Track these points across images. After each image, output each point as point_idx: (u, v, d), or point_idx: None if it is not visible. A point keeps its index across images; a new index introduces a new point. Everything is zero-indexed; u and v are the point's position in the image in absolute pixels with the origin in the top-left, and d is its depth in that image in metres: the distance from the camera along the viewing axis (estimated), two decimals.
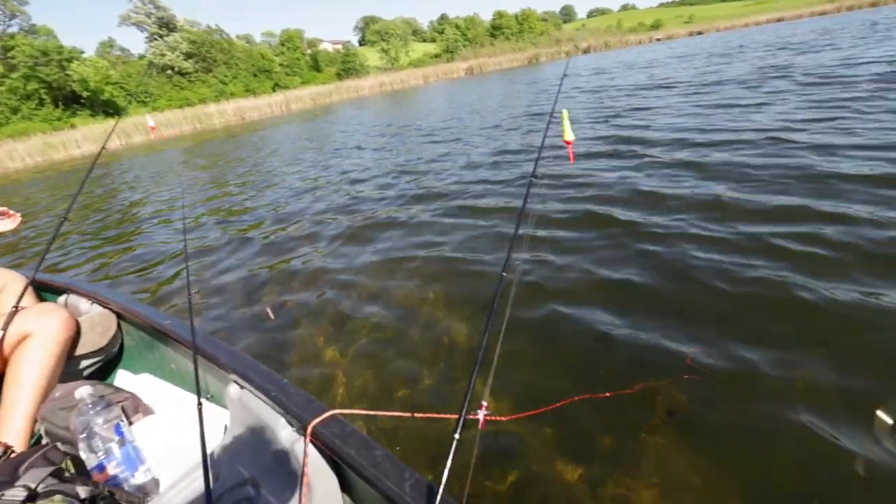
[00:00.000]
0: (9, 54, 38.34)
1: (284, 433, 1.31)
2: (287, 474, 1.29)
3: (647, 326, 2.44)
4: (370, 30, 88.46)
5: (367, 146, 10.81)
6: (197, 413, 1.37)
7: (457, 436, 0.98)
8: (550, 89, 16.64)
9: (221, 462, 1.46)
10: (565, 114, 1.66)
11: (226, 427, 1.59)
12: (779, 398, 1.85)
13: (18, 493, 1.05)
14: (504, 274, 1.27)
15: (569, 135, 1.69)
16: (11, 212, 2.00)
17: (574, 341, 2.45)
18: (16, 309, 1.63)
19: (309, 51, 62.09)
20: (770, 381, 1.94)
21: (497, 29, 79.77)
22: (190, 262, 4.74)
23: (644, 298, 2.70)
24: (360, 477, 1.09)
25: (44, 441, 1.58)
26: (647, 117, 8.03)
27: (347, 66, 60.24)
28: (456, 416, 1.04)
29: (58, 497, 1.03)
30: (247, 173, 10.11)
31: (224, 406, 1.62)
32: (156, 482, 1.50)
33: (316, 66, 60.23)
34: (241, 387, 1.48)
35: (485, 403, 1.06)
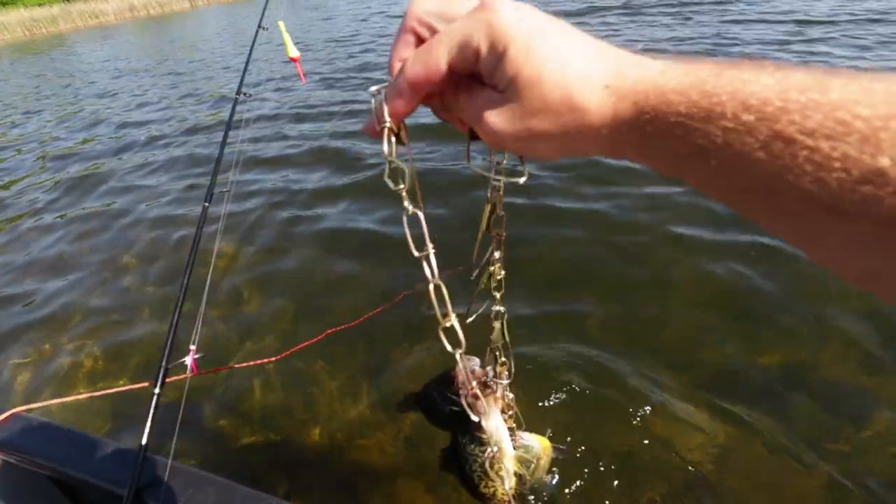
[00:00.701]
0: None
1: None
2: None
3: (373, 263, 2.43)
4: None
5: (112, 88, 8.56)
6: None
7: (156, 391, 0.87)
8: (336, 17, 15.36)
9: None
10: (282, 25, 1.50)
11: None
12: None
13: None
14: (206, 205, 1.13)
15: (293, 51, 1.54)
16: None
17: (290, 279, 2.33)
18: None
19: None
20: None
21: None
22: None
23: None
24: (56, 470, 0.91)
25: None
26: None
27: None
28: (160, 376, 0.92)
29: None
30: None
31: None
32: None
33: None
34: None
35: (192, 348, 0.96)
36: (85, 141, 5.51)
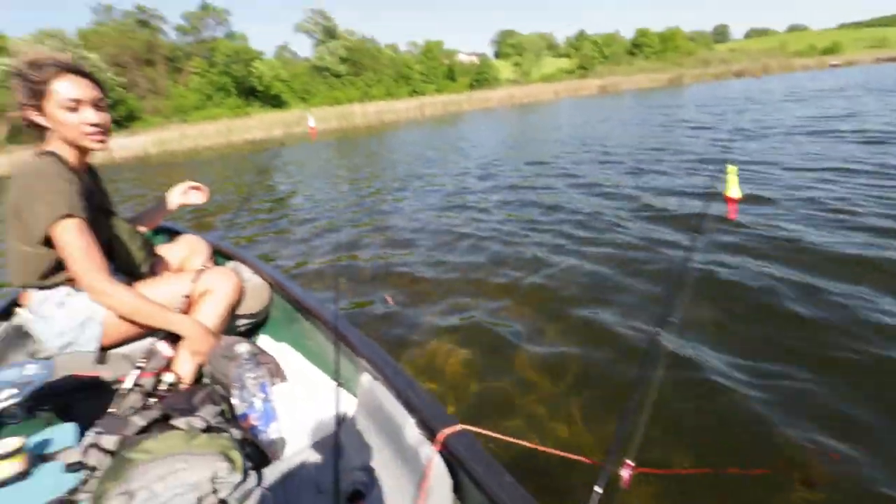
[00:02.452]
0: (212, 54, 48.57)
1: (411, 434, 1.29)
2: (407, 475, 1.27)
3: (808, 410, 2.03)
4: (505, 43, 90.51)
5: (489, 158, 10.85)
6: (334, 393, 1.48)
7: (598, 489, 0.89)
8: (695, 119, 14.82)
9: (343, 444, 1.53)
10: (733, 169, 1.46)
11: (351, 413, 1.66)
12: None
13: (198, 422, 1.22)
14: (660, 330, 1.13)
15: (734, 191, 1.48)
16: (203, 187, 2.32)
17: (729, 414, 2.08)
18: (202, 269, 1.93)
19: (446, 61, 65.40)
20: None
21: (637, 47, 76.08)
22: (341, 254, 5.05)
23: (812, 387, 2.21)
24: (486, 498, 1.05)
25: (205, 380, 1.81)
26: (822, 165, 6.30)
27: (480, 77, 62.67)
28: (592, 462, 0.94)
29: (225, 434, 1.17)
30: (387, 173, 10.84)
31: (352, 393, 1.71)
32: (283, 442, 1.64)
33: (451, 76, 63.32)
34: (375, 378, 1.53)
35: (629, 462, 0.95)
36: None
